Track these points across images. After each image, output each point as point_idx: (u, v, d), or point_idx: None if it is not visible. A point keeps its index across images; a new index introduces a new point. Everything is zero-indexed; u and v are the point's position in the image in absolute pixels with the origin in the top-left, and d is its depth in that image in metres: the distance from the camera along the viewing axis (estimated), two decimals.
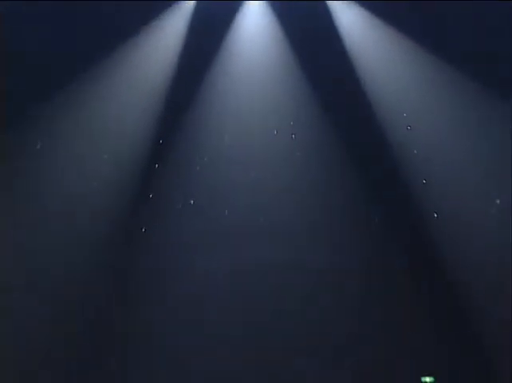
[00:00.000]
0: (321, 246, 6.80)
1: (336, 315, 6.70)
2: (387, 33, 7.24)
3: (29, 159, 6.91)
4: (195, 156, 6.98)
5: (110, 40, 7.03)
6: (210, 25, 7.22)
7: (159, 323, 6.73)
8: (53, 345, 6.59)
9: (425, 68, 7.06)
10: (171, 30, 7.27)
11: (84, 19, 7.03)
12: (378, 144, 6.92)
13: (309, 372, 6.61)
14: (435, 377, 6.51)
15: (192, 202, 6.91)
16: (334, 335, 6.65)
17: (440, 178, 6.87)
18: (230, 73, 7.11)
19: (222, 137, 7.02)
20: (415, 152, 6.94)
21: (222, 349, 6.63)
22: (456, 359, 6.60)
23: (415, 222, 6.81)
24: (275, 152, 6.95)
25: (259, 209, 6.88)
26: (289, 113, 7.04)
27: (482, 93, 6.91)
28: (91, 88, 7.00)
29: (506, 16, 7.04)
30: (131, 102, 7.05)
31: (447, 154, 6.90)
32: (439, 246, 6.82)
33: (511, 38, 7.01)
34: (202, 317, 6.69)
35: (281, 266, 6.75)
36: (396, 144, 6.93)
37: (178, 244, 6.84)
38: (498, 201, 6.75)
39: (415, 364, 6.57)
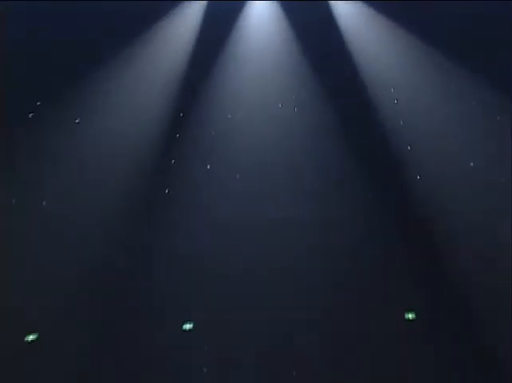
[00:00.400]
0: (318, 202, 7.75)
1: (333, 263, 7.58)
2: (378, 20, 8.28)
3: (68, 130, 7.93)
4: (210, 127, 7.99)
5: (137, 28, 8.13)
6: (221, 18, 8.31)
7: (180, 267, 7.59)
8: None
9: (410, 50, 8.09)
10: (189, 19, 8.32)
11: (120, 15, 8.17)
12: (369, 115, 7.95)
13: (309, 321, 7.37)
14: (416, 313, 7.49)
15: (208, 167, 7.95)
16: (331, 280, 7.56)
17: (423, 144, 7.87)
18: (240, 57, 8.17)
19: (232, 110, 8.04)
20: (401, 122, 7.97)
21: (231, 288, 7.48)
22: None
23: (402, 183, 7.82)
24: (280, 123, 7.97)
25: (265, 173, 7.85)
26: (292, 89, 8.06)
27: (457, 69, 7.96)
28: (121, 68, 8.04)
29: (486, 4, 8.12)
30: (154, 81, 8.08)
31: (429, 123, 7.91)
32: (423, 204, 7.81)
33: (491, 23, 8.05)
34: (215, 261, 7.57)
35: (283, 221, 7.68)
36: (385, 116, 7.99)
37: (196, 202, 7.84)
38: (471, 164, 7.79)
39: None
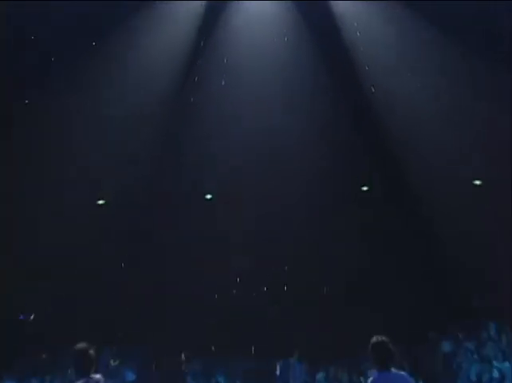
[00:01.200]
0: (301, 114, 10.80)
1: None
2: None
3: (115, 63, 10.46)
4: (222, 61, 10.45)
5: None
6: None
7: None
8: None
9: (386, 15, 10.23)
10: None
11: None
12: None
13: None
14: (370, 188, 11.02)
15: (223, 82, 10.52)
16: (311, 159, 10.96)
17: (380, 69, 10.48)
18: (245, 17, 10.29)
19: (240, 45, 10.44)
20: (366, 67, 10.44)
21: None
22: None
23: (362, 97, 10.62)
24: (275, 59, 10.42)
25: (267, 89, 10.58)
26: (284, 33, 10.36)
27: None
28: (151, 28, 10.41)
29: None
30: (176, 38, 10.46)
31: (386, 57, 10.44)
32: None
33: None
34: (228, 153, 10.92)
35: (278, 129, 10.84)
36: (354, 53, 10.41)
37: (213, 110, 10.68)
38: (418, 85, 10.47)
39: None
